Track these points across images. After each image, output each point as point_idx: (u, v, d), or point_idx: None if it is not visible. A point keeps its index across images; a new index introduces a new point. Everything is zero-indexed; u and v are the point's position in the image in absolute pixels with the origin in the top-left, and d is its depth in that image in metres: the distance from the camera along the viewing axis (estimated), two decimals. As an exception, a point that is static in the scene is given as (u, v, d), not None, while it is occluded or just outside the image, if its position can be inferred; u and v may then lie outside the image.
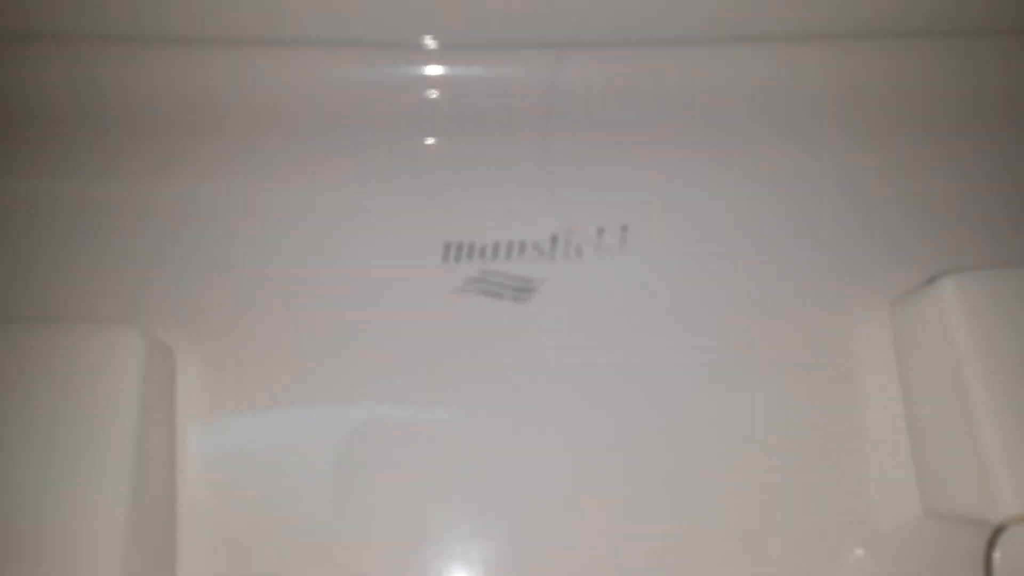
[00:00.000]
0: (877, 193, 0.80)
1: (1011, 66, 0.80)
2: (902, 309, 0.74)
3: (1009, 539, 0.63)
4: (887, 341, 0.74)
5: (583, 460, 0.71)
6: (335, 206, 0.77)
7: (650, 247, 0.77)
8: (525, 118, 0.78)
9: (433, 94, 0.77)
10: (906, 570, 0.70)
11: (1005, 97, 0.81)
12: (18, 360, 0.63)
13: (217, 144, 0.77)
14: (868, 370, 0.74)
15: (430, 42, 0.75)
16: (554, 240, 0.77)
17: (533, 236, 0.76)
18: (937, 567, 0.70)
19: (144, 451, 0.62)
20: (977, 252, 0.76)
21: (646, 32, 0.76)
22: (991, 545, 0.64)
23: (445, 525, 0.69)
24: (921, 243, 0.78)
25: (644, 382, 0.73)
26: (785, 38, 0.77)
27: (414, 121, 0.78)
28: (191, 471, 0.69)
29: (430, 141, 0.79)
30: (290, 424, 0.71)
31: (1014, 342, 0.66)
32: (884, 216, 0.80)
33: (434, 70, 0.76)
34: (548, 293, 0.75)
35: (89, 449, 0.60)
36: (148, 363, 0.64)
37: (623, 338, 0.74)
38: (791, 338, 0.75)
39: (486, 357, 0.73)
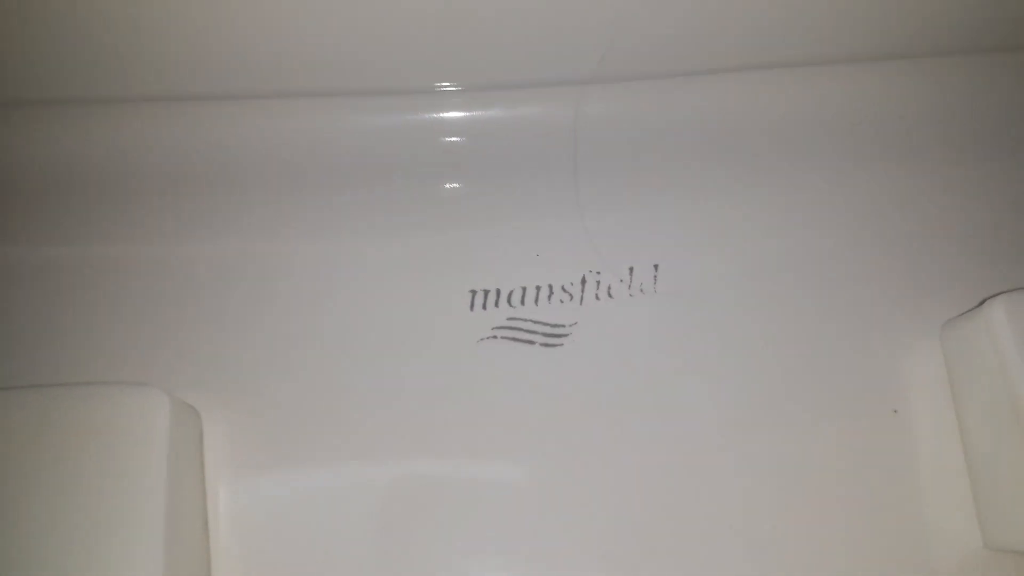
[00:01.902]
0: (920, 218, 0.78)
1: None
2: (953, 334, 0.71)
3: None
4: (940, 369, 0.71)
5: (627, 510, 0.68)
6: (358, 258, 0.75)
7: (684, 286, 0.75)
8: (549, 159, 0.76)
9: (454, 139, 0.75)
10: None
11: None
12: (45, 423, 0.62)
13: (236, 201, 0.76)
14: (922, 400, 0.71)
15: (448, 86, 0.73)
16: (583, 282, 0.74)
17: (561, 279, 0.74)
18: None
19: (175, 512, 0.61)
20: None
21: (669, 64, 0.74)
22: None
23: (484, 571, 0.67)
24: (969, 267, 0.75)
25: (686, 426, 0.70)
26: (814, 62, 0.75)
27: (435, 167, 0.76)
28: (223, 531, 0.67)
29: (452, 186, 0.77)
30: (320, 481, 0.69)
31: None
32: (929, 241, 0.77)
33: (454, 114, 0.74)
34: (580, 337, 0.73)
35: (120, 513, 0.59)
36: (174, 424, 0.63)
37: (661, 382, 0.71)
38: (840, 372, 0.72)
39: (519, 406, 0.71)
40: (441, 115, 0.74)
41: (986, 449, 0.67)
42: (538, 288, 0.74)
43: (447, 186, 0.77)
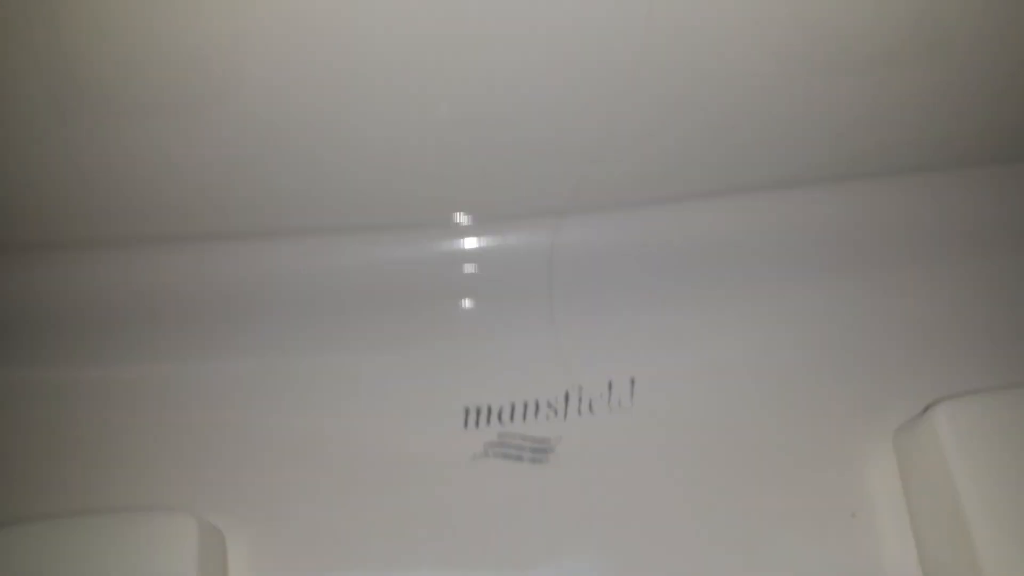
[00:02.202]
0: (873, 326, 0.84)
1: (991, 195, 0.85)
2: (903, 440, 0.76)
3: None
4: (895, 474, 0.76)
5: None
6: (358, 375, 0.82)
7: (657, 398, 0.81)
8: (530, 281, 0.82)
9: (459, 267, 0.82)
10: None
11: (985, 224, 0.85)
12: (79, 553, 0.67)
13: (253, 325, 0.83)
14: (879, 505, 0.76)
15: (461, 218, 0.81)
16: (567, 398, 0.81)
17: (546, 395, 0.80)
18: None
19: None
20: (977, 374, 0.79)
21: (639, 193, 0.81)
22: None
23: None
24: (921, 371, 0.81)
25: (663, 536, 0.75)
26: (771, 186, 0.82)
27: (431, 293, 0.83)
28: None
29: (449, 310, 0.84)
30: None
31: (1011, 465, 0.68)
32: (884, 348, 0.83)
33: (457, 244, 0.81)
34: (565, 452, 0.78)
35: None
36: (203, 548, 0.68)
37: (638, 493, 0.77)
38: (803, 482, 0.77)
39: (510, 522, 0.76)
40: (447, 244, 0.82)
41: (937, 552, 0.72)
42: (525, 404, 0.80)
43: (449, 308, 0.84)
